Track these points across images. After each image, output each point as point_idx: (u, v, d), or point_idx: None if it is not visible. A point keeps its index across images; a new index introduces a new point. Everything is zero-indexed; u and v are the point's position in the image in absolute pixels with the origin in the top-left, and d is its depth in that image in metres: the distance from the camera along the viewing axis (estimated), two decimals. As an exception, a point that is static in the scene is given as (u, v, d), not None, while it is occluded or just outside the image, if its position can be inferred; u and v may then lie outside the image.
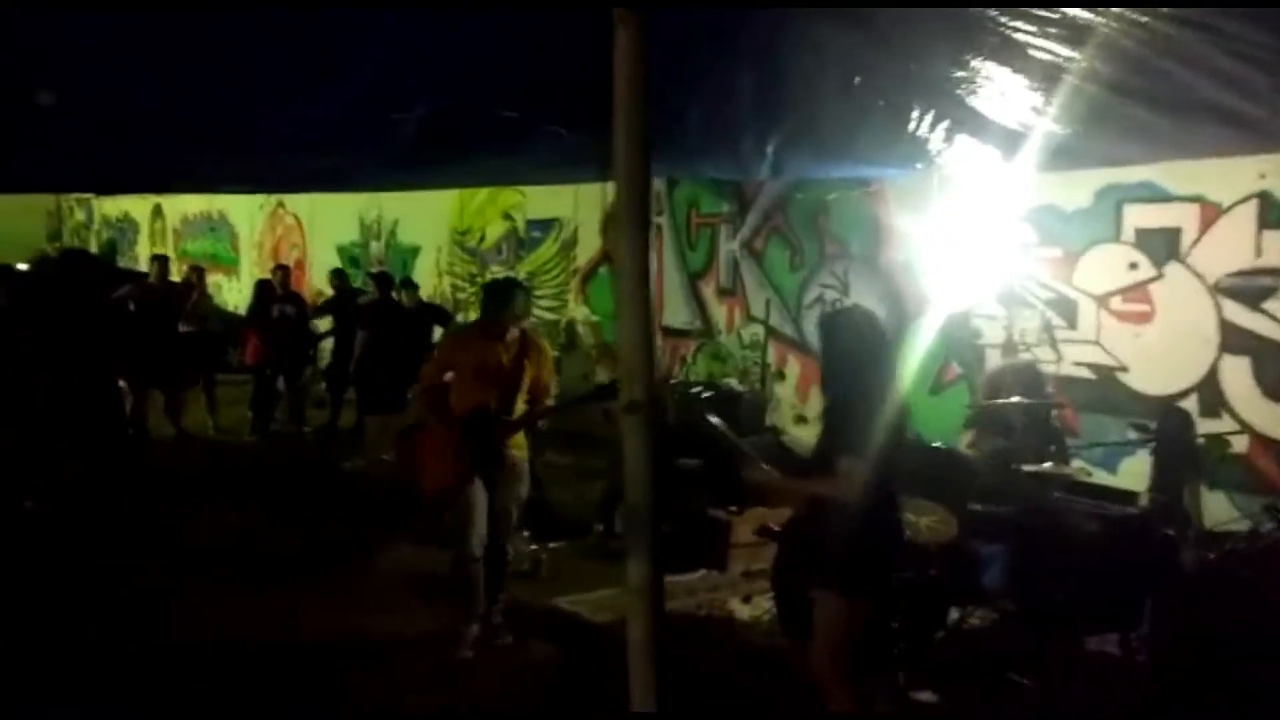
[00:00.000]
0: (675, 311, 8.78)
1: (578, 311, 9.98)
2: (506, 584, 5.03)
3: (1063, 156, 4.04)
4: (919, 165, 4.60)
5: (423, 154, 3.93)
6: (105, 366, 7.82)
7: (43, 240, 21.59)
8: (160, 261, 9.97)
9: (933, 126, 3.64)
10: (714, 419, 4.73)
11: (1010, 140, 3.76)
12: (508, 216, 10.78)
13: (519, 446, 4.95)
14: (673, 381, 8.27)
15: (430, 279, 11.16)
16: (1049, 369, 5.86)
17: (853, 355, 3.40)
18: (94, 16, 2.55)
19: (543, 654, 4.93)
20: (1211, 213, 5.47)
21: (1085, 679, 4.19)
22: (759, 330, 8.03)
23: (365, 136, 3.55)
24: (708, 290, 8.59)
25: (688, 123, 3.60)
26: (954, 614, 4.54)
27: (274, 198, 14.57)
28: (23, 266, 12.91)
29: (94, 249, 20.33)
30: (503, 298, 4.87)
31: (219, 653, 4.75)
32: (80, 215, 21.58)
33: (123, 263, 18.07)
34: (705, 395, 7.45)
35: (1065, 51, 2.84)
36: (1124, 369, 5.91)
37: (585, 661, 4.81)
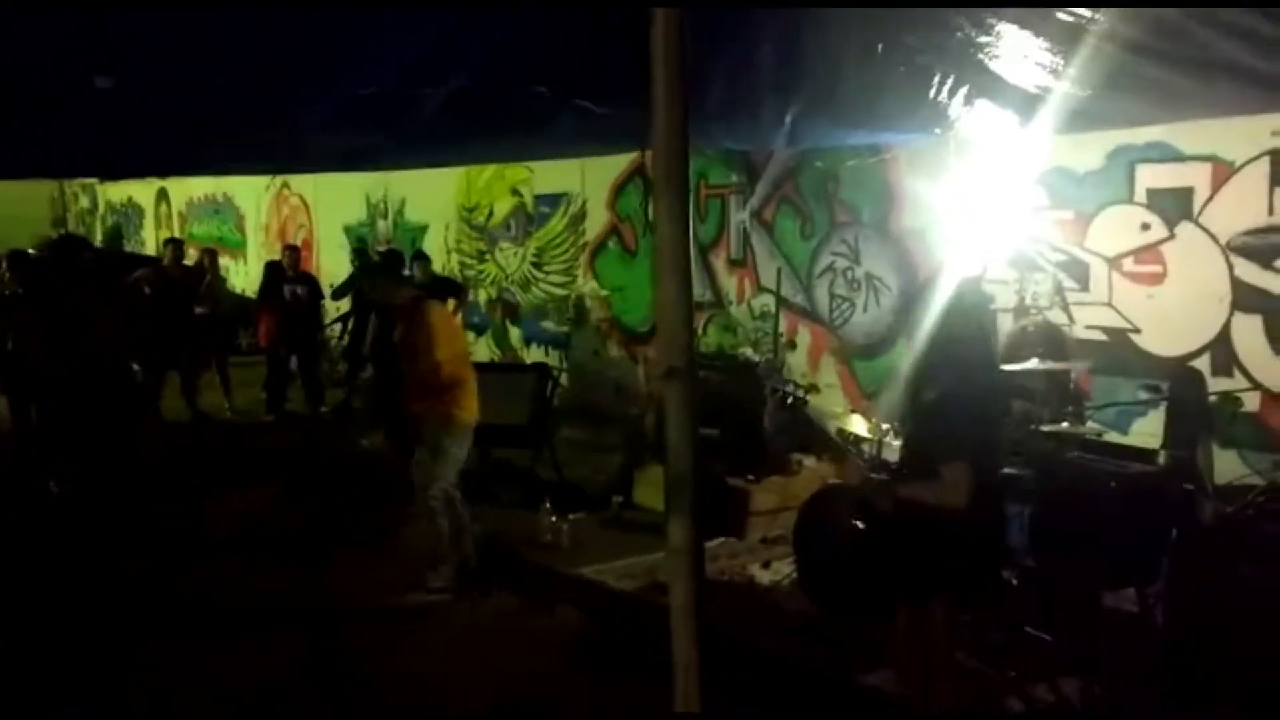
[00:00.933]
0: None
1: (586, 286, 10.03)
2: (461, 536, 5.38)
3: (1081, 118, 4.07)
4: (937, 130, 4.62)
5: (452, 132, 3.96)
6: (116, 350, 7.87)
7: (47, 226, 21.59)
8: (175, 245, 10.02)
9: (953, 91, 3.66)
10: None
11: (1029, 103, 3.78)
12: (515, 192, 10.78)
13: (436, 409, 5.24)
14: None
15: (439, 256, 11.17)
16: (1064, 329, 5.90)
17: (960, 342, 2.96)
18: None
19: (570, 620, 5.03)
20: (1223, 171, 5.49)
21: (1103, 633, 4.27)
22: (769, 300, 8.07)
23: (396, 116, 3.58)
24: (718, 261, 8.61)
25: (709, 95, 3.62)
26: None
27: (279, 179, 14.56)
28: (30, 252, 12.92)
29: (99, 234, 20.35)
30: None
31: (242, 632, 4.84)
32: (84, 201, 21.58)
33: (129, 247, 18.11)
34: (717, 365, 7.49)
35: (1087, 13, 2.87)
36: (1136, 330, 5.94)
37: (612, 627, 4.91)
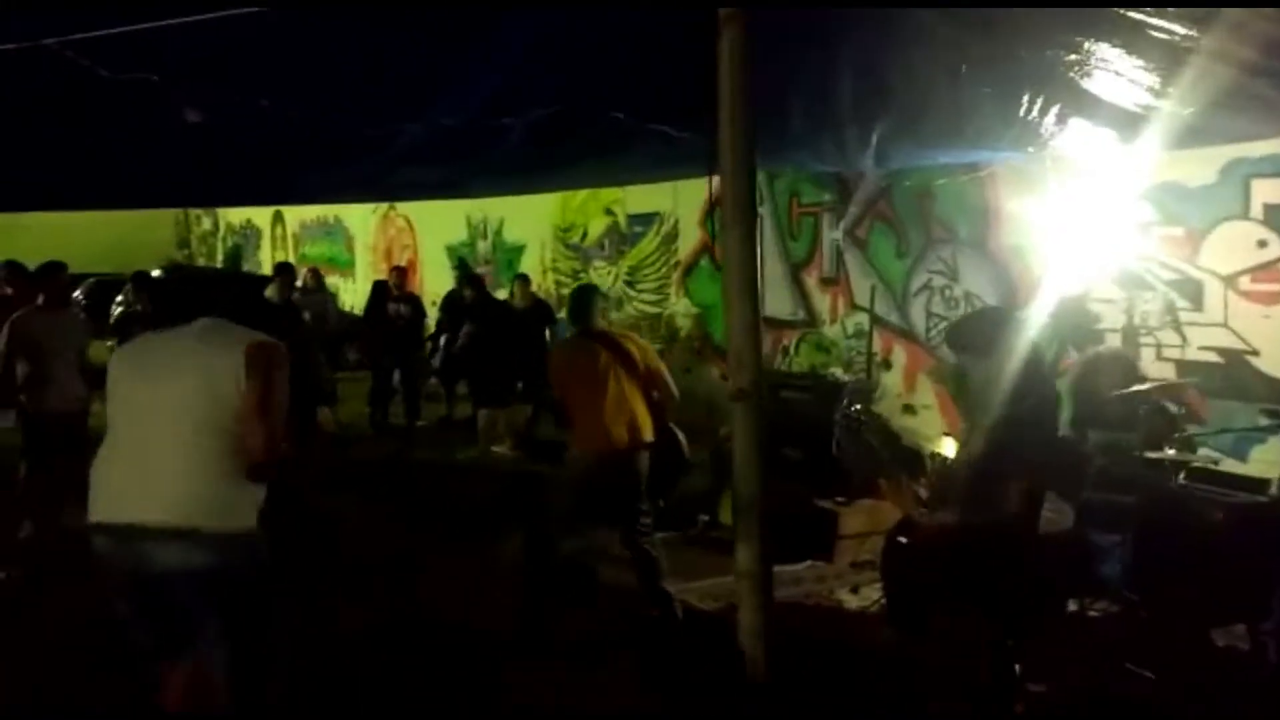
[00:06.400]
0: (778, 302, 8.76)
1: (679, 304, 10.08)
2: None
3: (1187, 135, 3.90)
4: (1030, 149, 4.50)
5: (534, 160, 4.05)
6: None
7: (172, 248, 22.97)
8: (314, 273, 10.58)
9: (1044, 111, 3.57)
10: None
11: (1127, 121, 3.65)
12: (609, 212, 10.94)
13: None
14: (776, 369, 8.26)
15: (535, 276, 11.42)
16: (1173, 352, 5.66)
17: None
18: (216, 38, 2.72)
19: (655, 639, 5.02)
20: (1348, 186, 5.19)
21: (1211, 672, 4.05)
22: (863, 319, 7.95)
23: (480, 146, 3.69)
24: (810, 280, 8.54)
25: (791, 118, 3.62)
26: (1074, 605, 4.45)
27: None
28: (156, 273, 13.77)
29: (220, 255, 21.49)
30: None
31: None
32: (206, 224, 22.84)
33: (246, 267, 19.07)
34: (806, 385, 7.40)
35: (1184, 30, 2.76)
36: (1254, 352, 5.65)
37: (695, 646, 4.89)
